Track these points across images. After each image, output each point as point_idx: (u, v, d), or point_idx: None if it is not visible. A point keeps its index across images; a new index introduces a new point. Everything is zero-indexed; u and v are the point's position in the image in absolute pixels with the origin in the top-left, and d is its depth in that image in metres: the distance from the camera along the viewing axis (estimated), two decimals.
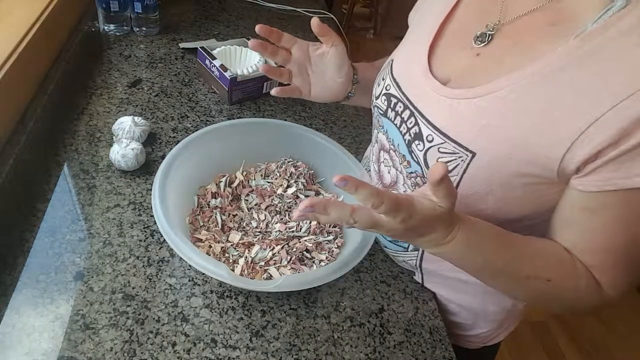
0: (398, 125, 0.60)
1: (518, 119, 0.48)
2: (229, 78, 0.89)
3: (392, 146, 0.63)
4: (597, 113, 0.42)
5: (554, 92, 0.45)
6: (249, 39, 1.02)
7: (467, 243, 0.49)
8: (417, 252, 0.66)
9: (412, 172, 0.60)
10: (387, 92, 0.63)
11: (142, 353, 0.54)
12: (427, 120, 0.55)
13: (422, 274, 0.69)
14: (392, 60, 0.65)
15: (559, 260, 0.51)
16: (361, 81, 0.72)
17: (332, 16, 1.39)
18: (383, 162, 0.66)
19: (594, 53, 0.43)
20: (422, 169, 0.57)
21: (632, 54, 0.42)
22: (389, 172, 0.65)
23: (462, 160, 0.52)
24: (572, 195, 0.48)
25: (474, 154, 0.51)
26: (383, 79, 0.65)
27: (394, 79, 0.62)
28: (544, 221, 0.55)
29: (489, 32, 0.54)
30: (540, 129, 0.46)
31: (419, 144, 0.57)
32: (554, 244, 0.52)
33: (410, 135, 0.58)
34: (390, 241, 0.70)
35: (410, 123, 0.58)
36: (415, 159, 0.58)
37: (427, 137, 0.55)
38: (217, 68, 0.91)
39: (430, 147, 0.55)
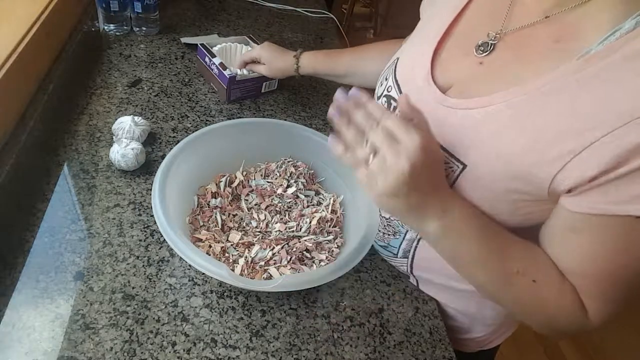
0: None
1: (512, 135, 0.47)
2: (227, 77, 0.89)
3: None
4: (592, 138, 0.41)
5: (550, 112, 0.45)
6: (250, 37, 1.03)
7: (464, 220, 0.48)
8: (406, 259, 0.66)
9: None
10: (388, 93, 0.63)
11: (142, 353, 0.54)
12: None
13: (415, 279, 0.69)
14: (397, 60, 0.64)
15: (546, 263, 0.50)
16: (307, 71, 0.88)
17: (332, 16, 1.39)
18: None
19: (596, 76, 0.43)
20: None
21: (632, 82, 0.41)
22: None
23: (453, 171, 0.52)
24: (561, 213, 0.47)
25: (464, 166, 0.51)
26: (386, 79, 0.64)
27: (396, 81, 0.62)
28: (531, 237, 0.54)
29: (491, 42, 0.53)
30: (534, 148, 0.45)
31: None
32: (543, 251, 0.51)
33: None
34: (381, 246, 0.70)
35: None
36: None
37: None
38: (216, 66, 0.91)
39: None
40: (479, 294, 0.56)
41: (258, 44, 1.00)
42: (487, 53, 0.53)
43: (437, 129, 0.53)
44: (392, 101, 0.61)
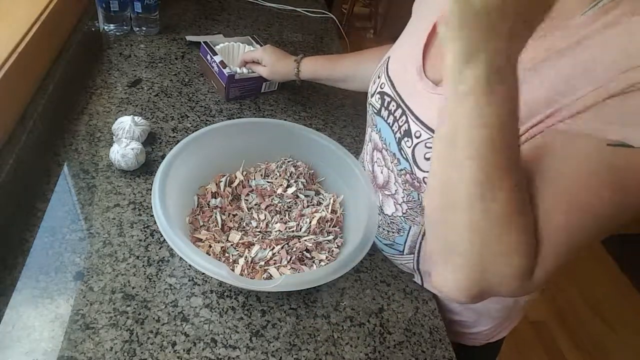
0: (391, 124, 0.61)
1: None
2: (226, 75, 0.89)
3: (384, 145, 0.64)
4: (569, 101, 0.42)
5: (535, 85, 0.45)
6: (254, 38, 1.03)
7: (505, 96, 0.36)
8: (412, 255, 0.66)
9: (401, 170, 0.60)
10: (382, 90, 0.63)
11: (142, 353, 0.54)
12: (416, 117, 0.56)
13: (420, 276, 0.69)
14: (389, 58, 0.65)
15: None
16: (307, 76, 0.89)
17: (332, 16, 1.39)
18: (376, 162, 0.67)
19: (578, 43, 0.43)
20: (410, 165, 0.58)
21: (616, 42, 0.41)
22: (381, 172, 0.66)
23: None
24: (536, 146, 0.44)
25: None
26: (378, 77, 0.65)
27: (389, 77, 0.63)
28: None
29: None
30: (525, 123, 0.46)
31: (407, 140, 0.57)
32: None
33: (400, 133, 0.59)
34: (385, 244, 0.70)
35: (402, 121, 0.59)
36: (405, 156, 0.58)
37: (415, 133, 0.56)
38: (217, 64, 0.92)
39: (418, 142, 0.56)
40: (430, 197, 0.44)
41: (262, 45, 1.00)
42: None
43: (431, 116, 0.54)
44: (385, 97, 0.62)
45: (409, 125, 0.57)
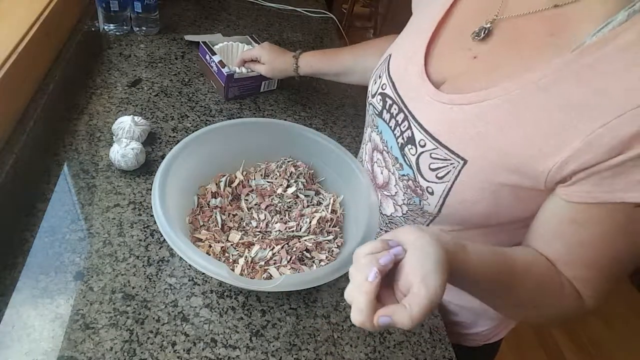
0: (392, 128, 0.60)
1: (510, 129, 0.47)
2: (225, 74, 0.90)
3: (385, 147, 0.63)
4: (587, 130, 0.42)
5: (547, 105, 0.45)
6: (252, 37, 1.04)
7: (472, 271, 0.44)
8: None
9: (404, 175, 0.59)
10: (383, 91, 0.62)
11: (142, 353, 0.54)
12: (419, 124, 0.55)
13: None
14: (390, 56, 0.64)
15: (542, 272, 0.50)
16: (306, 71, 0.89)
17: (332, 16, 1.38)
18: (376, 162, 0.66)
19: (590, 68, 0.43)
20: (414, 172, 0.57)
21: (627, 73, 0.41)
22: (381, 173, 0.65)
23: (454, 167, 0.52)
24: (558, 204, 0.47)
25: (465, 161, 0.51)
26: (379, 77, 0.64)
27: (390, 78, 0.61)
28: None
29: (486, 27, 0.53)
30: (531, 141, 0.46)
31: (411, 148, 0.56)
32: (540, 259, 0.50)
33: (403, 138, 0.58)
34: None
35: (404, 126, 0.58)
36: (408, 163, 0.57)
37: (419, 141, 0.55)
38: (215, 64, 0.92)
39: (423, 152, 0.55)
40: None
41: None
42: (481, 38, 0.53)
43: (435, 125, 0.54)
44: (387, 99, 0.61)
45: (412, 132, 0.56)
